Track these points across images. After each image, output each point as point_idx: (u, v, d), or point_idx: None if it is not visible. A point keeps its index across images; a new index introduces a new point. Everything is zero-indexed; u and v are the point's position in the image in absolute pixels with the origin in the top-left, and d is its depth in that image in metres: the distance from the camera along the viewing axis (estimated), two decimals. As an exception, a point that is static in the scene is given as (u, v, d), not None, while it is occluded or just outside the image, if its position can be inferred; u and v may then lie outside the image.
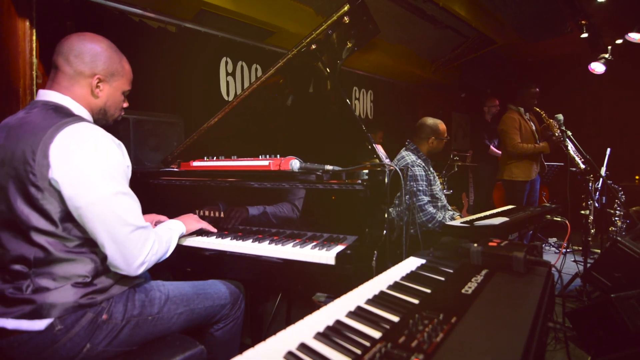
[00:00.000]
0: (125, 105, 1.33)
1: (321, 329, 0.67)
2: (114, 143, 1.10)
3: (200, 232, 1.59)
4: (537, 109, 3.58)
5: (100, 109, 1.22)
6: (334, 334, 0.65)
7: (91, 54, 1.15)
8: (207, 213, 1.71)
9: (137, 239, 1.07)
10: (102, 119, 1.26)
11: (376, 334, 0.65)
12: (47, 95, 1.14)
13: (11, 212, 1.03)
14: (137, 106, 2.43)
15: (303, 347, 0.62)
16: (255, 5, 3.13)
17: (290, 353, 0.60)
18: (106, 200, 1.03)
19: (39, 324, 0.99)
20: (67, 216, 1.03)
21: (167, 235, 1.24)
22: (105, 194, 1.03)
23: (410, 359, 0.54)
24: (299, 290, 2.19)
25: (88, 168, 1.02)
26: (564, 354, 1.95)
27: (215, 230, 1.60)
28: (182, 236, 1.42)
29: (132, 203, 1.10)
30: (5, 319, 0.99)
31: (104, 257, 1.08)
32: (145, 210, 1.23)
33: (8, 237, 1.04)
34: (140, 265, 1.08)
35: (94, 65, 1.15)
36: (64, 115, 1.08)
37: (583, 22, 3.82)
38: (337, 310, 0.76)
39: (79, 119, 1.10)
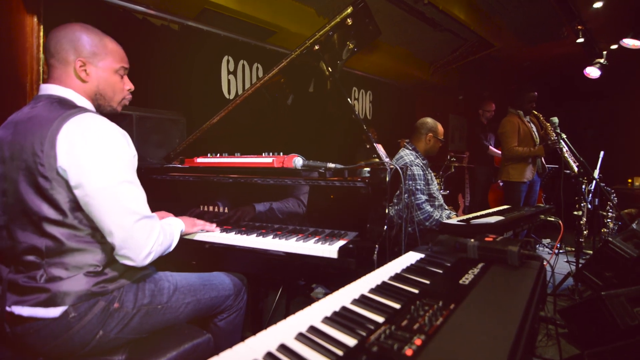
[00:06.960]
0: (128, 87, 1.30)
1: (328, 314, 0.72)
2: (119, 132, 1.11)
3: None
4: (535, 112, 3.66)
5: (96, 94, 1.21)
6: (340, 318, 0.70)
7: (67, 39, 1.15)
8: (211, 208, 1.74)
9: (143, 228, 1.09)
10: (106, 105, 1.25)
11: (380, 319, 0.70)
12: (49, 89, 1.16)
13: (22, 204, 1.04)
14: (140, 103, 2.47)
15: (312, 329, 0.66)
16: (257, 5, 3.17)
17: (300, 334, 0.64)
18: (111, 188, 1.04)
19: (54, 312, 1.02)
20: (77, 206, 1.05)
21: (169, 229, 1.26)
22: (110, 182, 1.04)
23: (413, 338, 0.59)
24: (300, 285, 2.24)
25: (93, 156, 1.03)
26: (556, 350, 2.01)
27: (213, 229, 1.60)
28: (182, 234, 1.42)
29: (138, 192, 1.12)
30: (22, 307, 1.02)
31: (113, 247, 1.11)
32: (152, 206, 1.24)
33: (20, 229, 1.06)
34: (147, 255, 1.10)
35: (72, 49, 1.15)
36: (69, 107, 1.10)
37: (579, 27, 3.90)
38: (342, 298, 0.80)
39: (84, 109, 1.12)
